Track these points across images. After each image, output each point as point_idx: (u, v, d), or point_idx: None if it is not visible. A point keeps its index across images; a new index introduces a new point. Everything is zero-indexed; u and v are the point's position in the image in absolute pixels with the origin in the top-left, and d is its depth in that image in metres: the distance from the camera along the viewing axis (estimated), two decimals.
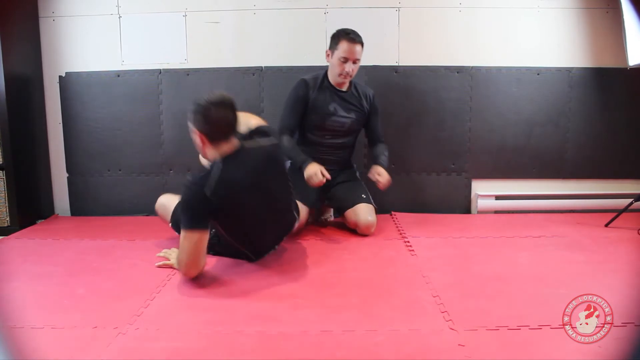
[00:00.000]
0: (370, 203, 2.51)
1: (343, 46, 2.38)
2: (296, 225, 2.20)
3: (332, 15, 2.86)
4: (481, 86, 2.89)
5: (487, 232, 2.51)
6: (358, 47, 2.39)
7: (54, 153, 3.01)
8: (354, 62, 2.41)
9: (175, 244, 2.22)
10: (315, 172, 2.26)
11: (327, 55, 2.47)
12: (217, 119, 1.77)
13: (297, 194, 2.18)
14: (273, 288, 1.82)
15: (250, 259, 2.04)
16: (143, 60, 2.91)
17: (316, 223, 2.67)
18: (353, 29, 2.42)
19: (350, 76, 2.44)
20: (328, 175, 2.28)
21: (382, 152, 2.56)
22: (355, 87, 2.56)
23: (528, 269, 1.99)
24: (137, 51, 2.91)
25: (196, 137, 1.82)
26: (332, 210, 2.77)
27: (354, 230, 2.49)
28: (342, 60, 2.40)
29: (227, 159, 1.80)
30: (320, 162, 2.45)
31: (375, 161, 2.51)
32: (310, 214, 2.53)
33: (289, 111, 2.50)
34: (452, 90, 2.89)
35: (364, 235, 2.44)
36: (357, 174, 2.70)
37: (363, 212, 2.44)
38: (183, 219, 1.77)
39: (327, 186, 2.49)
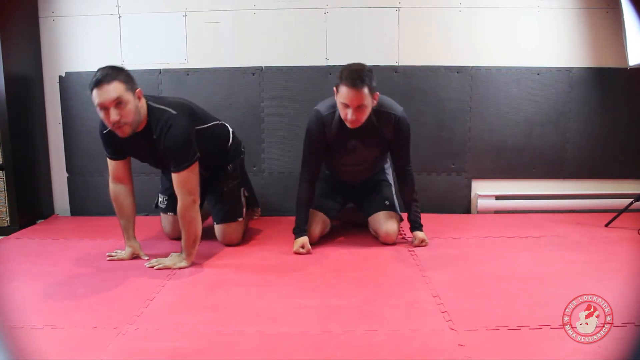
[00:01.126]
0: (394, 210, 2.37)
1: (342, 90, 2.01)
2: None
3: (332, 15, 2.86)
4: (481, 86, 2.89)
5: (487, 232, 2.51)
6: (359, 93, 1.98)
7: (54, 153, 3.02)
8: (357, 108, 2.03)
9: (174, 244, 2.23)
10: (297, 249, 2.19)
11: (335, 93, 2.09)
12: None
13: (317, 205, 2.35)
14: (273, 288, 1.82)
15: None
16: (143, 60, 2.91)
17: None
18: (361, 67, 2.03)
19: (358, 122, 2.07)
20: (309, 250, 2.21)
21: (411, 194, 2.29)
22: (378, 114, 2.17)
23: (528, 269, 1.99)
24: (137, 51, 2.91)
25: (135, 99, 1.91)
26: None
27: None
28: (342, 105, 2.04)
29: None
30: (346, 182, 2.47)
31: (411, 222, 2.30)
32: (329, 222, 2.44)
33: (308, 153, 2.25)
34: (452, 90, 2.89)
35: (385, 243, 2.32)
36: (386, 172, 2.52)
37: (383, 221, 2.32)
38: (185, 158, 1.98)
39: (353, 192, 2.48)
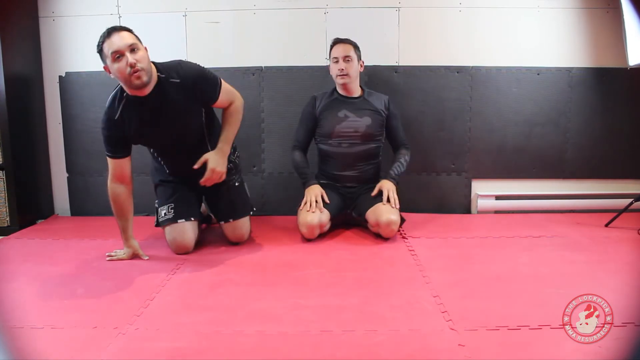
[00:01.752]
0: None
1: (333, 50, 2.47)
2: None
3: (332, 15, 2.86)
4: (481, 86, 2.89)
5: (487, 232, 2.51)
6: (345, 46, 2.44)
7: (54, 153, 3.02)
8: (345, 59, 2.42)
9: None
10: (311, 197, 2.36)
11: (330, 70, 2.53)
12: None
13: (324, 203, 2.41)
14: (273, 288, 1.82)
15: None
16: None
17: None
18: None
19: (347, 74, 2.43)
20: (326, 200, 2.39)
21: (399, 157, 2.53)
22: (369, 94, 2.55)
23: (528, 269, 1.99)
24: None
25: (145, 51, 1.95)
26: None
27: (377, 235, 2.38)
28: (334, 61, 2.45)
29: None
30: (341, 178, 2.50)
31: (388, 172, 2.50)
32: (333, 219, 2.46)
33: (300, 126, 2.56)
34: (452, 90, 2.89)
35: (387, 238, 2.34)
36: None
37: (384, 211, 2.32)
38: (214, 77, 2.13)
39: (350, 198, 2.51)
